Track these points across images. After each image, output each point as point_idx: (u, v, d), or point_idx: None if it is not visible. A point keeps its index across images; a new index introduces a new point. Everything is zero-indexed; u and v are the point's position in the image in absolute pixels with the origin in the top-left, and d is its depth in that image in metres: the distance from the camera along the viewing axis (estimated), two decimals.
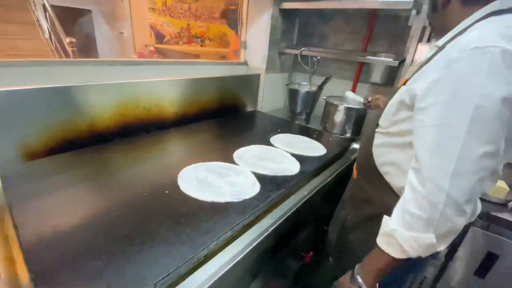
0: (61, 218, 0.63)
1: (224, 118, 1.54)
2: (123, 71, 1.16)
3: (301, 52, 1.64)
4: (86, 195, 0.74)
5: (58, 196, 0.71)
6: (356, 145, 1.34)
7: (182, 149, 1.12)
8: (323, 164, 1.06)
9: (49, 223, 0.62)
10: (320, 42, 1.86)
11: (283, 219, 0.76)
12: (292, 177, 0.91)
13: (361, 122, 1.42)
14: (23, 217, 0.63)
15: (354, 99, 1.38)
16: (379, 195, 0.73)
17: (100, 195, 0.73)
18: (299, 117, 1.64)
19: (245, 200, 0.75)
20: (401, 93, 0.64)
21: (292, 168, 0.96)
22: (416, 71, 0.63)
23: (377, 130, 0.74)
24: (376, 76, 1.46)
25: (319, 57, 1.67)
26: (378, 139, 0.74)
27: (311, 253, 1.09)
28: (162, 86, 1.21)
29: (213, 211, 0.70)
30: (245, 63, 1.83)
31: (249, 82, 1.71)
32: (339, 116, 1.41)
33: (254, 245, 0.65)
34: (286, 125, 1.48)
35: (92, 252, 0.54)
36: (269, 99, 1.88)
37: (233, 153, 1.05)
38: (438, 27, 0.69)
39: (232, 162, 0.98)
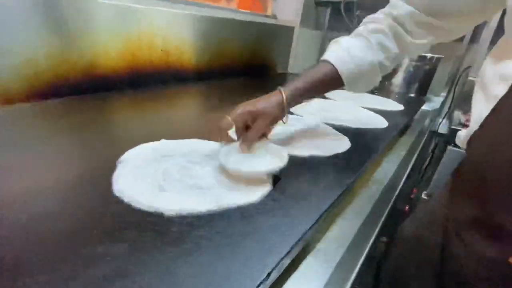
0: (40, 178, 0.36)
1: (253, 77, 1.25)
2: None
3: None
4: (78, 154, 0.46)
5: (40, 148, 0.44)
6: (427, 108, 1.06)
7: (221, 102, 0.83)
8: (410, 120, 0.79)
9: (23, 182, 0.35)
10: None
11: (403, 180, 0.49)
12: (383, 130, 0.64)
13: (429, 80, 1.14)
14: None
15: None
16: None
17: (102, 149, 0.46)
18: None
19: (338, 154, 0.48)
20: None
21: (378, 121, 0.69)
22: None
23: None
24: None
25: (361, 12, 1.38)
26: None
27: None
28: (183, 22, 0.91)
29: (300, 167, 0.43)
30: (273, 17, 1.52)
31: (281, 35, 1.42)
32: (403, 72, 1.12)
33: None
34: None
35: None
36: (302, 60, 1.59)
37: None
38: None
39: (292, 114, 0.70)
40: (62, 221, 0.27)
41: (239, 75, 1.21)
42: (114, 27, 0.74)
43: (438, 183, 0.98)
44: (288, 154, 0.46)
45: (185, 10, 0.93)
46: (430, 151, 1.30)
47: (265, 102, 0.42)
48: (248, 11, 1.50)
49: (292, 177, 0.39)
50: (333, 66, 0.42)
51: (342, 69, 0.42)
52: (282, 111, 0.42)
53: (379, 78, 0.46)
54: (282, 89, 0.43)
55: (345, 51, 0.42)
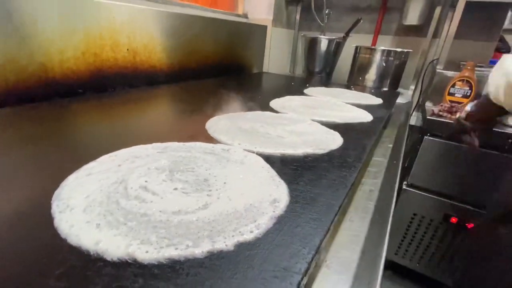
0: None
1: (230, 77, 1.21)
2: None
3: None
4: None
5: None
6: (401, 101, 1.09)
7: (192, 103, 0.77)
8: (390, 112, 0.79)
9: None
10: None
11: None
12: (370, 123, 0.63)
13: (399, 74, 1.18)
14: None
15: None
16: None
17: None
18: (320, 75, 1.36)
19: (333, 151, 0.45)
20: None
21: (362, 115, 0.68)
22: None
23: None
24: (413, 15, 1.21)
25: (330, 11, 1.41)
26: None
27: None
28: (150, 18, 0.84)
29: (296, 167, 0.39)
30: (244, 16, 1.49)
31: (254, 34, 1.39)
32: (376, 67, 1.15)
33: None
34: (310, 82, 1.19)
35: None
36: (276, 60, 1.57)
37: (269, 103, 0.74)
38: None
39: (275, 112, 0.67)
40: None
41: (213, 75, 1.15)
42: (68, 23, 0.65)
43: (419, 172, 1.01)
44: (281, 154, 0.42)
45: (152, 6, 0.86)
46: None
47: None
48: (220, 10, 1.46)
49: (292, 179, 0.35)
50: None
51: None
52: None
53: None
54: None
55: None
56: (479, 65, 1.11)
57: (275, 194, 0.31)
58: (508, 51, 1.31)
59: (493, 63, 1.24)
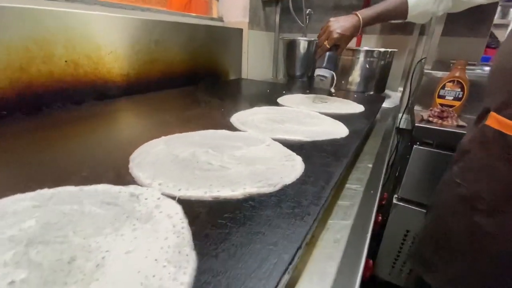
0: None
1: (202, 85, 1.10)
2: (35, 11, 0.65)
3: None
4: None
5: None
6: (388, 105, 0.99)
7: (138, 122, 0.66)
8: (372, 123, 0.69)
9: None
10: None
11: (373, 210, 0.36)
12: (344, 140, 0.52)
13: (385, 75, 1.08)
14: None
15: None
16: None
17: None
18: (301, 79, 1.26)
19: (286, 188, 0.34)
20: None
21: (336, 129, 0.57)
22: None
23: None
24: None
25: (311, 11, 1.31)
26: None
27: None
28: (96, 26, 0.73)
29: (231, 219, 0.28)
30: (219, 19, 1.39)
31: (229, 38, 1.28)
32: (359, 69, 1.05)
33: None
34: (289, 88, 1.09)
35: None
36: (255, 65, 1.47)
37: (229, 118, 0.63)
38: None
39: (233, 129, 0.56)
40: None
41: (183, 84, 1.04)
42: None
43: (409, 184, 0.91)
44: (213, 198, 0.31)
45: (95, 11, 0.75)
46: (394, 148, 1.25)
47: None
48: (194, 14, 1.35)
49: (211, 247, 0.24)
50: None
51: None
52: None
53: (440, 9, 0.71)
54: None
55: None
56: (471, 63, 1.02)
57: (168, 287, 0.20)
58: (497, 47, 1.23)
59: (484, 60, 1.15)
